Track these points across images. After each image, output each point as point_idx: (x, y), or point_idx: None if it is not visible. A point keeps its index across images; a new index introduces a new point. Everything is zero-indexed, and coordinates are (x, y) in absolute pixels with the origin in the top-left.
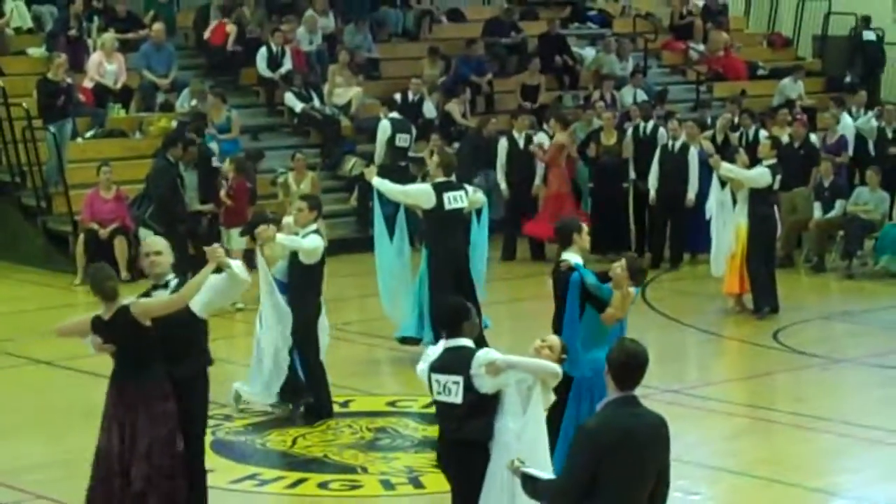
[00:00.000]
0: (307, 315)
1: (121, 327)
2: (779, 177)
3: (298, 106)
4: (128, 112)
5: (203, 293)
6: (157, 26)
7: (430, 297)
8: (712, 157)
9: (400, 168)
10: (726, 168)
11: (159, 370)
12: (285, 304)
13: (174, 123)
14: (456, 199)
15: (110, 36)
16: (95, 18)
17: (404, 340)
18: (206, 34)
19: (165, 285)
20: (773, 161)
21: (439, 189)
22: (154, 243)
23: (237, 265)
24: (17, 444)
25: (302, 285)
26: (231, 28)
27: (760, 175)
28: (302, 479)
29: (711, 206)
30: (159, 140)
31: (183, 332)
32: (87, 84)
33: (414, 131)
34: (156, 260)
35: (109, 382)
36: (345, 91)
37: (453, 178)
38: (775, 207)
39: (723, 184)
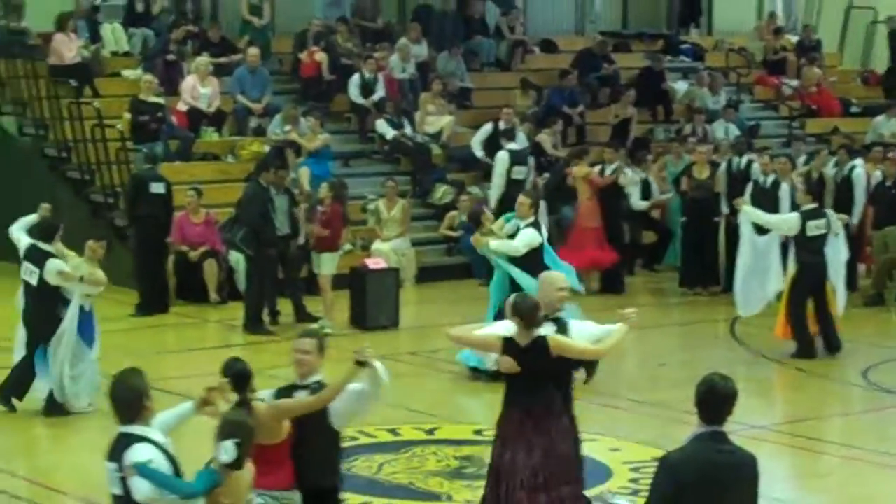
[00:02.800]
0: None
1: None
2: (818, 221)
3: (390, 133)
4: (220, 135)
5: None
6: (253, 51)
7: None
8: (739, 199)
9: (515, 199)
10: (749, 212)
11: None
12: None
13: (266, 148)
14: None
15: (205, 60)
16: (190, 42)
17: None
18: (301, 60)
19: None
20: (810, 206)
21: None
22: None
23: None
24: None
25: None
26: (321, 56)
27: (784, 221)
28: None
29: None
30: (251, 164)
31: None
32: (182, 107)
33: (532, 163)
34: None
35: None
36: (436, 119)
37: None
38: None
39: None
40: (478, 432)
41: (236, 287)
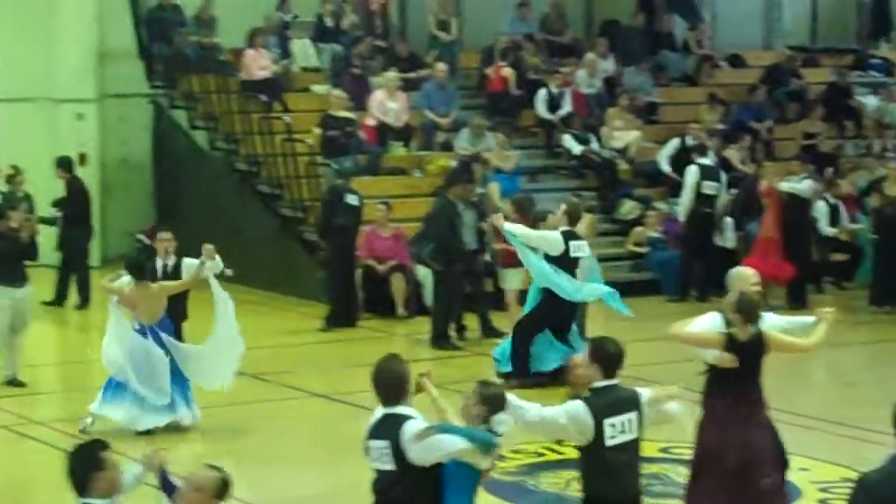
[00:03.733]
0: None
1: None
2: None
3: (577, 148)
4: (408, 150)
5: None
6: (441, 66)
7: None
8: None
9: (705, 215)
10: None
11: None
12: None
13: (453, 163)
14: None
15: (393, 75)
16: (378, 57)
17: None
18: (488, 75)
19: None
20: None
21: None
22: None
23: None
24: (293, 474)
25: None
26: (508, 71)
27: None
28: None
29: None
30: (438, 179)
31: None
32: (370, 122)
33: (724, 179)
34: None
35: None
36: (623, 134)
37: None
38: None
39: None
40: (665, 450)
41: (423, 301)
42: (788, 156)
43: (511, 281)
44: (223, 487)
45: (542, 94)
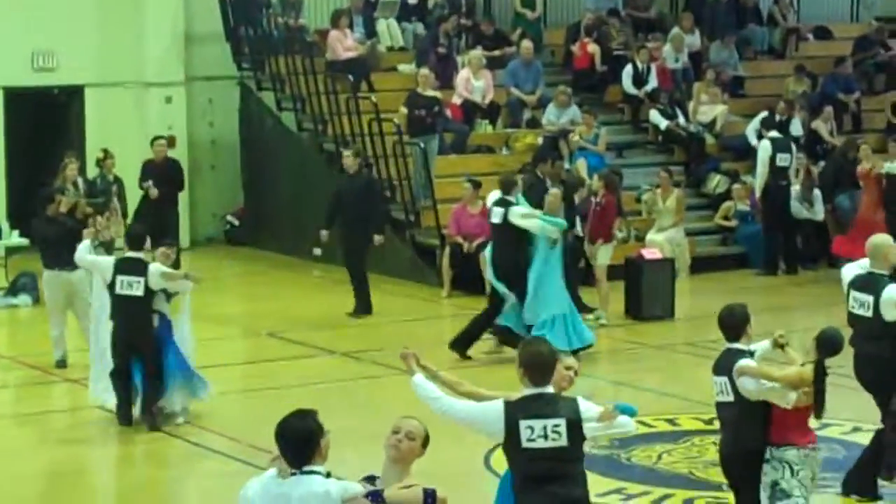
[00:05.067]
0: None
1: None
2: None
3: (663, 123)
4: (494, 128)
5: None
6: (526, 44)
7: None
8: None
9: (780, 187)
10: None
11: None
12: None
13: (539, 140)
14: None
15: (478, 53)
16: (463, 36)
17: None
18: (574, 52)
19: None
20: None
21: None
22: None
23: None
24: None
25: None
26: (593, 48)
27: None
28: (667, 494)
29: None
30: (525, 156)
31: None
32: (456, 100)
33: (794, 150)
34: None
35: None
36: (710, 109)
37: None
38: None
39: None
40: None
41: None
42: (876, 127)
43: (600, 256)
44: (428, 437)
45: (628, 69)
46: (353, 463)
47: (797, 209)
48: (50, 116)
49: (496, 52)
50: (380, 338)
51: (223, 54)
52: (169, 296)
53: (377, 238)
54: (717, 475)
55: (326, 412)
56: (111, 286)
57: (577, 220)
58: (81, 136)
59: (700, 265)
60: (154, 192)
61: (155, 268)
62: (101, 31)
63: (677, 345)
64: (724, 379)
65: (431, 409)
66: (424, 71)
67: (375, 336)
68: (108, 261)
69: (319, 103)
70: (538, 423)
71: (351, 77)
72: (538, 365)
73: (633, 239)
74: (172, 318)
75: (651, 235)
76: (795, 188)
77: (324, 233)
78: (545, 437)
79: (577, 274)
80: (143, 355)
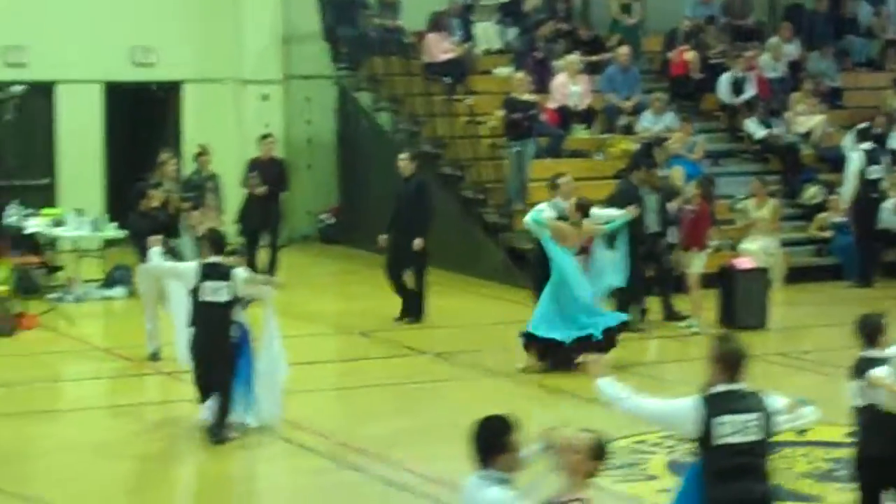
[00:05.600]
0: None
1: None
2: None
3: (760, 132)
4: (590, 133)
5: None
6: (623, 50)
7: None
8: None
9: (871, 199)
10: None
11: None
12: None
13: (635, 146)
14: None
15: (575, 58)
16: (561, 41)
17: None
18: (671, 58)
19: None
20: None
21: None
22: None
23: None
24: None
25: None
26: (690, 55)
27: None
28: None
29: None
30: (620, 162)
31: None
32: (552, 105)
33: (888, 163)
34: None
35: None
36: (807, 119)
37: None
38: None
39: None
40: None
41: None
42: None
43: (693, 264)
44: (600, 448)
45: (725, 77)
46: (443, 462)
47: (892, 221)
48: (148, 111)
49: (593, 58)
50: (470, 339)
51: (321, 53)
52: (245, 303)
53: (416, 242)
54: (807, 487)
55: (416, 411)
56: (194, 292)
57: (671, 227)
58: (178, 132)
59: (794, 276)
60: (262, 189)
61: (239, 272)
62: (201, 28)
63: (769, 355)
64: (856, 384)
65: (619, 409)
66: (521, 75)
67: (466, 338)
68: (190, 266)
69: (415, 105)
70: (734, 419)
71: (447, 79)
72: (732, 361)
73: (728, 248)
74: (258, 339)
75: (745, 244)
76: (892, 201)
77: (382, 237)
78: (741, 432)
79: (671, 281)
80: (219, 366)
